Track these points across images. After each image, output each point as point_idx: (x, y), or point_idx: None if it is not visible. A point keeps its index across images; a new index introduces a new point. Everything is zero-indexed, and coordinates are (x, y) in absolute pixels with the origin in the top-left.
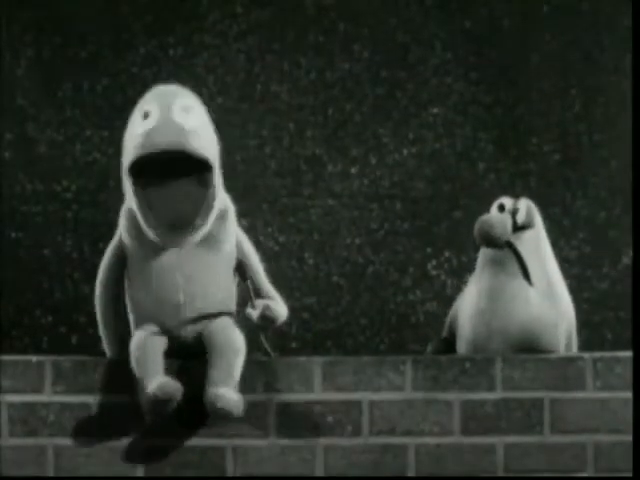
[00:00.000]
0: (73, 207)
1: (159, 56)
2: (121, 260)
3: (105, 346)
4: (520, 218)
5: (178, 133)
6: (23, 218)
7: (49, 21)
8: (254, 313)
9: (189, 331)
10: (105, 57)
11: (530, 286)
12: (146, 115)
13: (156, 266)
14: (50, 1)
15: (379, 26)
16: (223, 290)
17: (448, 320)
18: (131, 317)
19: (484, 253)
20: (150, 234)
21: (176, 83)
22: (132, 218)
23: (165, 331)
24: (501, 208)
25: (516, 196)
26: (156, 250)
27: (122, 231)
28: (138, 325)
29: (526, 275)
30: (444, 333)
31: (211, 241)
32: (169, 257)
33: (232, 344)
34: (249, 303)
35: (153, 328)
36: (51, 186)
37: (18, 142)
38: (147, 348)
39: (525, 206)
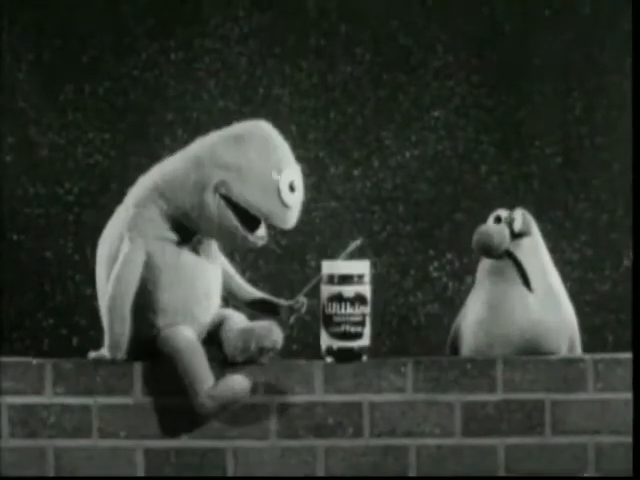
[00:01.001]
0: (75, 210)
1: (160, 60)
2: (142, 264)
3: (115, 350)
4: (517, 226)
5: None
6: (25, 221)
7: (50, 24)
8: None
9: (213, 324)
10: (106, 60)
11: (530, 293)
12: (292, 188)
13: (191, 263)
14: (51, 4)
15: (380, 29)
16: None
17: (450, 337)
18: (151, 318)
19: (483, 264)
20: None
21: (178, 87)
22: (172, 222)
23: (196, 326)
24: (498, 220)
25: (518, 198)
26: (190, 248)
27: (149, 232)
28: (165, 324)
29: (526, 282)
30: (447, 350)
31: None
32: (199, 253)
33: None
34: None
35: (187, 326)
36: (53, 189)
37: (20, 145)
38: (197, 347)
39: (520, 215)
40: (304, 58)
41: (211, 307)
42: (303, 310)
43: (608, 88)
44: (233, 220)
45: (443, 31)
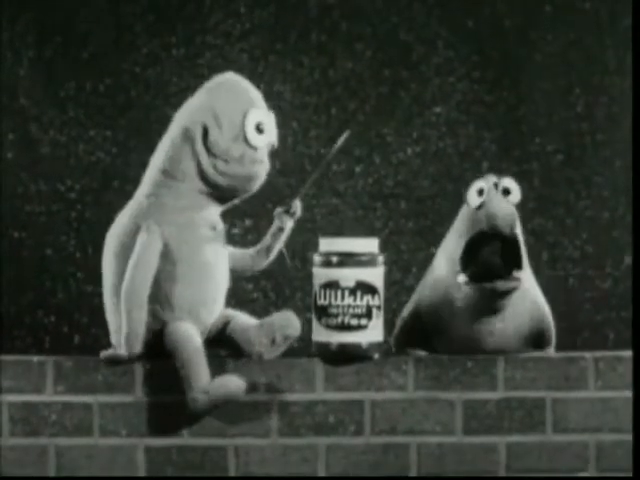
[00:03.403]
0: (76, 207)
1: (162, 56)
2: (159, 253)
3: (133, 341)
4: (516, 197)
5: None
6: (26, 218)
7: (51, 21)
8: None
9: (215, 325)
10: (107, 57)
11: (520, 272)
12: (260, 130)
13: (208, 262)
14: (52, 1)
15: (382, 25)
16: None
17: (411, 313)
18: (159, 311)
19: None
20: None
21: (180, 83)
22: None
23: (200, 327)
24: (480, 192)
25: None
26: (201, 245)
27: (167, 222)
28: (170, 319)
29: (517, 261)
30: (401, 328)
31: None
32: (209, 251)
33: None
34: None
35: (190, 323)
36: (54, 186)
37: (21, 142)
38: (198, 344)
39: (512, 183)
40: (305, 54)
41: (216, 310)
42: (298, 215)
43: (609, 85)
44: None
45: (444, 27)
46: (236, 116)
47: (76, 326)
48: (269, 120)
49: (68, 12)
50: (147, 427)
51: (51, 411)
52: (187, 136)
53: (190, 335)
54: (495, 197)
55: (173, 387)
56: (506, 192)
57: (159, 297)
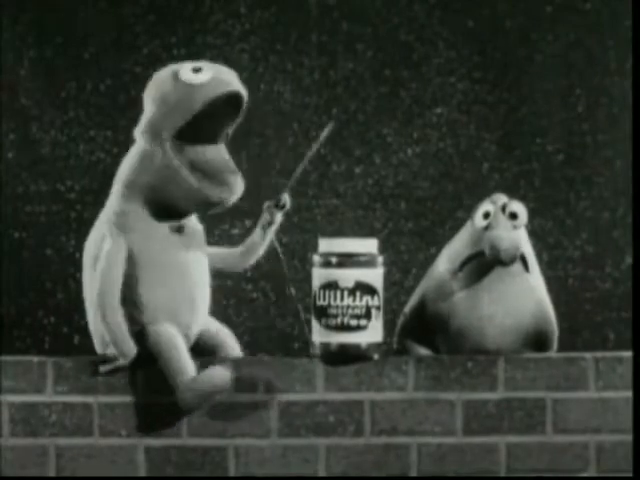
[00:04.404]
0: (77, 207)
1: (162, 56)
2: (124, 259)
3: (119, 350)
4: (523, 221)
5: (237, 79)
6: (26, 218)
7: (51, 21)
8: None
9: (195, 329)
10: (108, 57)
11: (527, 273)
12: (197, 70)
13: (169, 262)
14: (52, 1)
15: (382, 25)
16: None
17: (413, 309)
18: (135, 314)
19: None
20: (205, 190)
21: None
22: (148, 210)
23: (182, 328)
24: (486, 216)
25: (519, 195)
26: (167, 247)
27: (130, 229)
28: (147, 321)
29: (524, 264)
30: (399, 337)
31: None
32: (178, 253)
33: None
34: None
35: (168, 323)
36: (54, 186)
37: (21, 142)
38: (177, 340)
39: (520, 207)
40: (306, 55)
41: (197, 311)
42: (287, 207)
43: (610, 86)
44: (183, 171)
45: (445, 27)
46: (168, 80)
47: (76, 326)
48: (205, 65)
49: (68, 12)
50: (147, 427)
51: (51, 411)
52: (144, 143)
53: (169, 335)
54: (501, 224)
55: (172, 388)
56: (513, 216)
57: (134, 300)
